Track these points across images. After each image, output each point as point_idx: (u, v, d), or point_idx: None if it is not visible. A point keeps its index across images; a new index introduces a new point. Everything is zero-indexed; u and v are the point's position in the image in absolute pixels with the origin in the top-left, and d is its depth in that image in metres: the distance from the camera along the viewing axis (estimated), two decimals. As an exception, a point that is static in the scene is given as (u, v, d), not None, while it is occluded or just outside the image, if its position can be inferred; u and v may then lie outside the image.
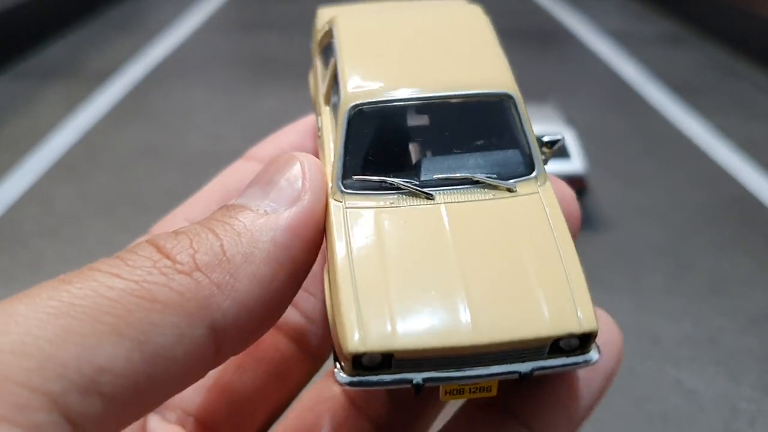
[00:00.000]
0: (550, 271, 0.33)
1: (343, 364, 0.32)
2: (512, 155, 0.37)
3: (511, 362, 0.31)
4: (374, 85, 0.37)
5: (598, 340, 0.34)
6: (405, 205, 0.35)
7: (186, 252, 0.31)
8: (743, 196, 2.47)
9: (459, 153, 0.37)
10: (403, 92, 0.37)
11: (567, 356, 0.32)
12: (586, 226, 2.27)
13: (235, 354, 0.33)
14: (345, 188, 0.36)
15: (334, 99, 0.41)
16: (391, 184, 0.36)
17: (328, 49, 0.44)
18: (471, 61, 0.39)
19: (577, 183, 2.19)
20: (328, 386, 0.43)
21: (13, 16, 3.71)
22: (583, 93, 3.46)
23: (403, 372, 0.31)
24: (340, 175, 0.36)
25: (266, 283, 0.32)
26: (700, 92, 3.45)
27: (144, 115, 3.10)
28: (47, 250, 2.05)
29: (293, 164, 0.35)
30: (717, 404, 1.58)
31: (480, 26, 0.43)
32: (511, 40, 4.35)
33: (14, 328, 0.26)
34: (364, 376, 0.32)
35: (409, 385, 0.31)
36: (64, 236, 2.12)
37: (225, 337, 0.31)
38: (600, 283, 1.97)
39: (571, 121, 2.41)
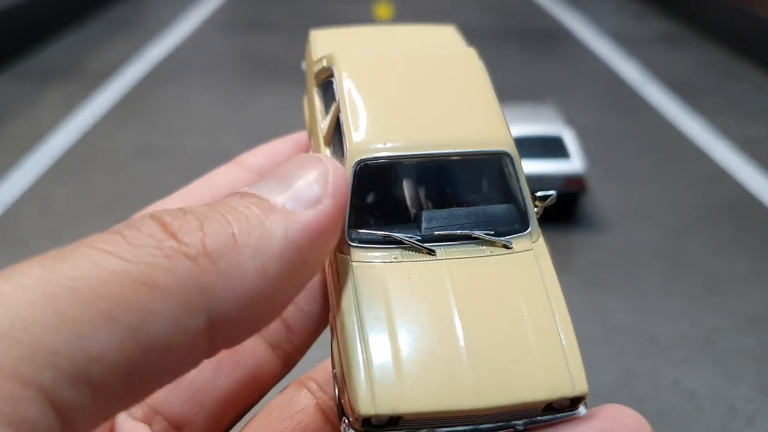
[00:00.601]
0: (545, 331, 0.34)
1: (350, 419, 0.33)
2: (508, 211, 0.38)
3: (508, 419, 0.33)
4: (379, 140, 0.38)
5: None
6: (409, 260, 0.36)
7: (195, 234, 0.29)
8: (742, 196, 2.47)
9: (458, 207, 0.38)
10: (408, 148, 0.37)
11: (559, 413, 0.33)
12: (584, 225, 2.27)
13: (227, 347, 0.31)
14: (351, 241, 0.37)
15: (335, 146, 0.41)
16: (394, 238, 0.36)
17: (327, 86, 0.44)
18: (471, 115, 0.40)
19: (576, 183, 2.20)
20: (299, 398, 0.42)
21: (13, 16, 3.71)
22: (582, 93, 3.46)
23: (408, 429, 0.33)
24: (346, 228, 0.37)
25: (272, 280, 0.30)
26: (699, 92, 3.46)
27: (143, 115, 3.10)
28: (46, 249, 2.03)
29: (318, 165, 0.34)
30: (715, 404, 1.58)
31: (477, 74, 0.42)
32: (511, 41, 4.36)
33: (2, 312, 0.25)
34: None
35: None
36: (63, 236, 2.12)
37: (221, 329, 0.29)
38: (598, 283, 1.97)
39: (571, 121, 2.41)
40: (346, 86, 0.40)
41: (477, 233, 0.37)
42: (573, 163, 2.19)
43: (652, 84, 3.56)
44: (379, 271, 0.36)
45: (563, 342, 0.34)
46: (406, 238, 0.36)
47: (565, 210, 2.30)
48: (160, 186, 2.42)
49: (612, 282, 1.98)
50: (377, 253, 0.36)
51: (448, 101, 0.41)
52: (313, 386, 0.42)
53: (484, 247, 0.37)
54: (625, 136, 2.95)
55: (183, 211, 0.30)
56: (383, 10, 5.00)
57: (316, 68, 0.46)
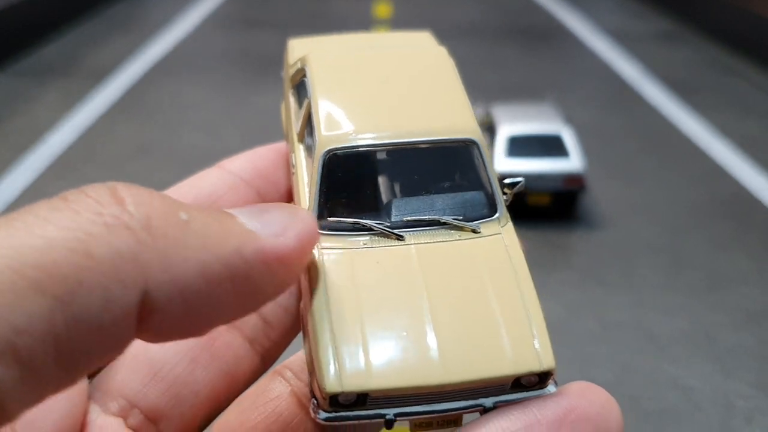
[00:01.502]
0: (512, 311, 0.34)
1: (319, 400, 0.34)
2: (476, 197, 0.39)
3: (476, 397, 0.33)
4: (348, 130, 0.39)
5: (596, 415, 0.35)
6: (377, 245, 0.37)
7: (143, 207, 0.28)
8: (740, 194, 2.47)
9: (427, 195, 0.39)
10: (376, 137, 0.39)
11: (527, 390, 0.34)
12: (584, 224, 2.27)
13: (166, 339, 0.30)
14: (320, 229, 0.37)
15: (308, 140, 0.42)
16: (363, 225, 0.37)
17: (301, 86, 0.45)
18: (438, 106, 0.41)
19: (575, 181, 2.20)
20: (273, 386, 0.41)
21: (12, 15, 3.71)
22: (581, 91, 3.46)
23: (377, 408, 0.33)
24: (315, 217, 0.38)
25: (211, 282, 0.29)
26: (698, 90, 3.46)
27: (142, 112, 3.10)
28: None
29: (293, 210, 0.34)
30: (713, 402, 1.58)
31: (446, 70, 0.44)
32: (510, 39, 4.36)
33: None
34: (340, 412, 0.33)
35: (381, 420, 0.33)
36: (62, 234, 2.12)
37: (153, 314, 0.28)
38: (597, 280, 1.97)
39: (570, 119, 2.41)
40: (316, 82, 0.41)
41: (445, 218, 0.37)
42: (572, 162, 2.19)
43: (651, 82, 3.57)
44: (347, 256, 0.36)
45: (530, 320, 0.34)
46: (375, 225, 0.37)
47: (564, 208, 2.30)
48: (158, 184, 2.39)
49: (610, 279, 1.99)
50: (346, 240, 0.37)
51: (417, 94, 0.42)
52: (289, 374, 0.42)
53: (452, 232, 0.37)
54: (623, 134, 2.96)
55: (144, 188, 0.29)
56: (382, 9, 5.01)
57: (292, 71, 0.47)
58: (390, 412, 0.33)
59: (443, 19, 4.76)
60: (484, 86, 3.43)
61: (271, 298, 0.33)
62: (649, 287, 1.96)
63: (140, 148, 2.73)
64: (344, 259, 0.36)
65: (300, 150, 0.43)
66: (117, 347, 0.28)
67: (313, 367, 0.34)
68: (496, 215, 0.38)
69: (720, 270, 2.04)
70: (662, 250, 2.13)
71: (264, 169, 0.46)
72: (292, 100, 0.47)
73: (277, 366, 0.42)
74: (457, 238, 0.37)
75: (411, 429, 0.34)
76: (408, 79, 0.43)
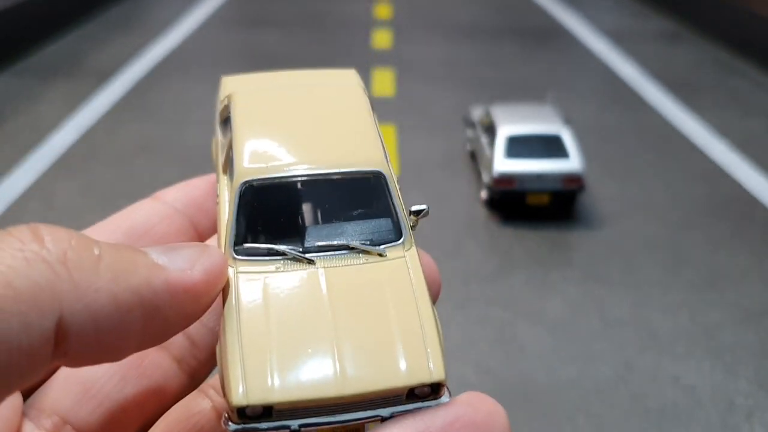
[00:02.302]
0: (409, 328, 0.37)
1: (229, 413, 0.36)
2: (383, 224, 0.42)
3: (375, 408, 0.36)
4: (264, 163, 0.42)
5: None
6: (289, 269, 0.40)
7: (59, 244, 0.31)
8: (739, 193, 2.48)
9: (338, 222, 0.42)
10: (290, 170, 0.42)
11: (422, 401, 0.36)
12: (584, 223, 2.29)
13: (83, 364, 0.33)
14: (236, 254, 0.40)
15: (229, 171, 0.45)
16: (277, 251, 0.40)
17: (227, 122, 0.48)
18: (350, 141, 0.44)
19: (574, 181, 2.21)
20: (198, 401, 0.44)
21: (15, 14, 3.72)
22: (580, 91, 3.47)
23: (282, 419, 0.36)
24: (232, 243, 0.41)
25: (123, 310, 0.32)
26: (697, 90, 3.47)
27: (144, 111, 3.11)
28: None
29: (202, 248, 0.37)
30: (714, 399, 1.59)
31: (360, 106, 0.47)
32: (509, 39, 4.37)
33: None
34: (248, 423, 0.35)
35: (287, 430, 0.36)
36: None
37: (69, 341, 0.31)
38: (598, 279, 1.99)
39: (569, 119, 2.42)
40: (238, 118, 0.45)
41: (353, 243, 0.40)
42: (572, 162, 2.20)
43: (650, 81, 3.58)
44: (261, 280, 0.39)
45: (424, 336, 0.37)
46: (288, 250, 0.40)
47: (563, 208, 2.31)
48: (161, 182, 2.42)
49: (611, 277, 2.00)
50: (261, 265, 0.40)
51: (329, 128, 0.45)
52: (212, 392, 0.44)
53: (360, 256, 0.40)
54: (623, 134, 2.97)
55: (62, 228, 0.32)
56: (383, 10, 5.01)
57: (221, 107, 0.50)
58: (294, 423, 0.35)
59: (443, 20, 4.76)
60: (484, 86, 3.44)
61: (180, 329, 0.36)
62: (650, 285, 1.97)
63: (143, 147, 2.74)
64: (258, 282, 0.39)
65: (224, 181, 0.46)
66: (36, 369, 0.30)
67: (223, 383, 0.36)
68: (401, 240, 0.41)
69: (720, 268, 2.05)
70: (662, 249, 2.14)
71: (197, 199, 0.49)
72: (219, 135, 0.50)
73: (202, 385, 0.45)
74: (364, 261, 0.40)
75: None
76: (323, 115, 0.46)
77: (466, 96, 3.20)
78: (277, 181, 0.42)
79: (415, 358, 0.36)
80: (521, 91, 3.28)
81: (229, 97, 0.48)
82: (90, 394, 0.41)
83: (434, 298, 0.41)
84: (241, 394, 0.35)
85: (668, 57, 4.01)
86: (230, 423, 0.36)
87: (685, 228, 2.26)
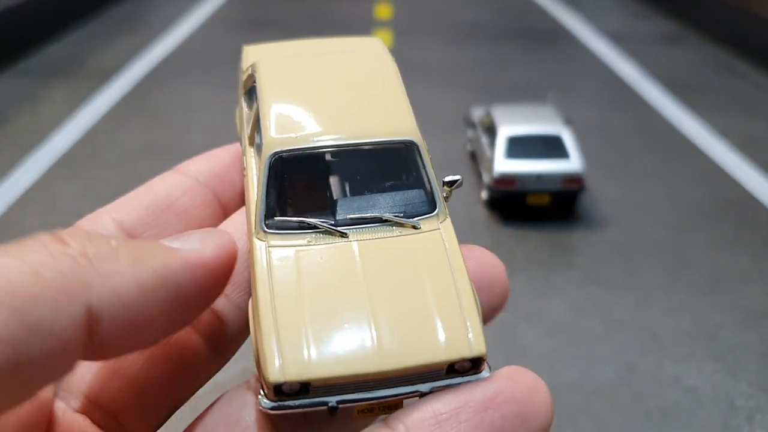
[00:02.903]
0: (447, 301, 0.36)
1: (265, 390, 0.35)
2: (417, 195, 0.41)
3: (414, 383, 0.35)
4: (293, 133, 0.41)
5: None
6: (322, 243, 0.39)
7: (79, 241, 0.33)
8: (741, 195, 2.48)
9: (370, 194, 0.41)
10: (320, 140, 0.41)
11: (462, 376, 0.35)
12: (584, 224, 2.28)
13: (104, 353, 0.34)
14: (267, 228, 0.40)
15: (257, 142, 0.44)
16: (308, 224, 0.39)
17: (252, 92, 0.47)
18: (380, 109, 0.43)
19: (575, 181, 2.21)
20: (240, 394, 0.43)
21: (16, 15, 3.72)
22: (581, 92, 3.47)
23: (319, 396, 0.35)
24: (262, 216, 0.40)
25: (147, 292, 0.33)
26: (698, 91, 3.47)
27: (146, 112, 3.11)
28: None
29: (212, 231, 0.38)
30: (716, 401, 1.59)
31: (389, 74, 0.45)
32: (510, 40, 4.37)
33: None
34: (284, 401, 0.35)
35: (325, 407, 0.35)
36: (67, 233, 2.13)
37: (100, 325, 0.32)
38: (599, 280, 1.98)
39: (570, 120, 2.42)
40: (264, 87, 0.44)
41: (386, 215, 0.39)
42: (572, 163, 2.20)
43: (651, 82, 3.57)
44: (293, 253, 0.38)
45: (463, 310, 0.36)
46: (320, 223, 0.39)
47: (564, 208, 2.31)
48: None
49: (612, 279, 2.00)
50: (292, 239, 0.39)
51: (359, 97, 0.43)
52: (254, 383, 0.43)
53: (394, 228, 0.39)
54: (624, 135, 2.97)
55: (78, 230, 0.34)
56: (383, 10, 5.01)
57: (244, 77, 0.49)
58: (332, 400, 0.35)
59: (444, 20, 4.76)
60: (485, 87, 3.44)
61: (203, 307, 0.37)
62: (651, 287, 1.97)
63: (145, 148, 2.74)
64: (290, 256, 0.38)
65: (250, 153, 0.45)
66: (69, 358, 0.31)
67: (259, 360, 0.36)
68: (435, 212, 0.41)
69: (721, 270, 2.05)
70: (663, 250, 2.14)
71: (221, 170, 0.49)
72: (244, 106, 0.49)
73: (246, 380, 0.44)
74: (398, 234, 0.39)
75: (354, 416, 0.36)
76: (352, 84, 0.44)
77: (466, 96, 3.20)
78: (307, 152, 0.41)
79: (455, 332, 0.35)
80: (522, 92, 3.28)
81: (253, 66, 0.47)
82: (118, 374, 0.42)
83: (498, 305, 0.40)
84: (278, 369, 0.34)
85: (669, 58, 4.01)
86: (265, 400, 0.35)
87: (685, 229, 2.26)
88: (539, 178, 2.19)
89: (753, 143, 2.87)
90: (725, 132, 2.98)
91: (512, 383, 0.35)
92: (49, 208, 2.30)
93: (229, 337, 0.44)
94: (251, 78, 0.47)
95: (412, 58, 3.86)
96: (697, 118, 3.13)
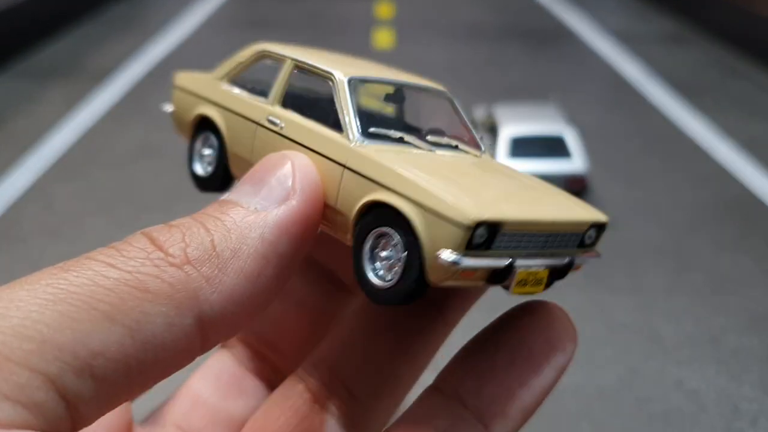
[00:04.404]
0: (551, 190, 0.42)
1: (450, 244, 0.36)
2: (466, 135, 0.47)
3: (559, 256, 0.40)
4: (363, 73, 0.47)
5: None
6: (416, 151, 0.43)
7: (178, 245, 0.33)
8: (744, 196, 2.47)
9: (435, 128, 0.47)
10: (383, 76, 0.48)
11: (585, 251, 0.42)
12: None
13: (221, 342, 0.36)
14: (363, 137, 0.43)
15: (292, 99, 0.48)
16: (402, 139, 0.44)
17: (246, 75, 0.52)
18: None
19: (577, 182, 2.20)
20: (293, 384, 0.45)
21: (13, 15, 3.71)
22: (584, 92, 3.46)
23: (500, 250, 0.37)
24: (357, 128, 0.43)
25: (253, 278, 0.34)
26: (702, 91, 3.45)
27: (144, 114, 3.10)
28: (47, 248, 2.04)
29: (284, 163, 0.39)
30: (719, 404, 1.57)
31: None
32: (512, 39, 4.35)
33: (15, 312, 0.29)
34: (468, 252, 0.36)
35: (503, 266, 0.37)
36: (63, 235, 2.12)
37: (212, 326, 0.33)
38: (601, 283, 1.97)
39: (572, 120, 2.41)
40: (296, 52, 0.50)
41: (461, 145, 0.46)
42: (575, 163, 2.19)
43: (655, 83, 3.56)
44: (399, 153, 0.42)
45: (568, 197, 0.42)
46: (413, 140, 0.44)
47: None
48: (160, 184, 2.41)
49: (615, 281, 1.98)
50: (389, 146, 0.43)
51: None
52: (303, 374, 0.45)
53: (463, 153, 0.46)
54: (627, 135, 2.95)
55: (168, 226, 0.35)
56: (384, 9, 5.00)
57: (238, 67, 0.52)
58: (508, 261, 0.37)
59: (445, 20, 4.75)
60: (487, 87, 3.42)
61: (306, 250, 0.38)
62: (654, 290, 1.95)
63: (143, 149, 2.72)
64: (398, 153, 0.42)
65: (284, 110, 0.47)
66: (184, 361, 0.33)
67: (440, 211, 0.36)
68: (483, 150, 0.47)
69: (724, 272, 2.03)
70: (666, 252, 2.12)
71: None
72: (236, 90, 0.52)
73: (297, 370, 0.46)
74: (472, 154, 0.45)
75: (512, 290, 0.39)
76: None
77: (468, 97, 3.19)
78: (377, 79, 0.47)
79: (581, 206, 0.41)
80: (524, 92, 3.27)
81: (262, 52, 0.52)
82: (198, 405, 0.46)
83: (562, 367, 0.42)
84: (474, 208, 0.35)
85: (672, 58, 4.00)
86: (453, 254, 0.35)
87: (689, 231, 2.24)
88: (541, 178, 2.18)
89: (757, 144, 2.86)
90: (729, 133, 2.96)
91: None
92: (47, 209, 2.29)
93: (284, 373, 0.47)
94: (256, 59, 0.52)
95: (413, 57, 3.85)
96: (701, 118, 3.12)
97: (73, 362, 0.29)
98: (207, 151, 0.53)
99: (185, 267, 0.33)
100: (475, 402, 0.38)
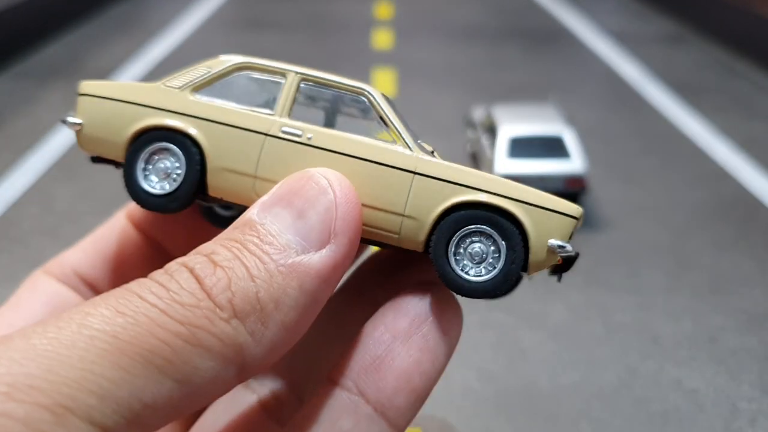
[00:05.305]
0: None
1: (558, 237, 0.46)
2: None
3: None
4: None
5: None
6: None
7: (224, 294, 0.35)
8: (743, 196, 2.47)
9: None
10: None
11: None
12: (585, 225, 2.27)
13: (250, 377, 0.37)
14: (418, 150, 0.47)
15: (310, 100, 0.51)
16: (432, 152, 0.50)
17: (219, 87, 0.53)
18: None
19: (577, 183, 2.20)
20: (242, 394, 0.48)
21: (13, 16, 3.71)
22: (583, 93, 3.46)
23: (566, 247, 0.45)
24: (414, 139, 0.47)
25: (292, 328, 0.36)
26: (700, 92, 3.46)
27: (144, 114, 3.10)
28: (46, 249, 2.04)
29: (325, 193, 0.39)
30: (717, 404, 1.58)
31: None
32: (511, 40, 4.35)
33: (78, 363, 0.31)
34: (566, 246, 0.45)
35: (574, 253, 0.44)
36: (63, 235, 2.12)
37: (250, 373, 0.36)
38: (600, 283, 1.97)
39: (571, 120, 2.41)
40: (290, 66, 0.53)
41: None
42: (574, 163, 2.19)
43: (653, 83, 3.56)
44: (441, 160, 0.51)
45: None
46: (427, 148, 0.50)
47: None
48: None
49: (614, 281, 1.98)
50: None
51: None
52: (254, 384, 0.48)
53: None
54: (626, 136, 2.95)
55: (213, 264, 0.36)
56: (383, 10, 5.00)
57: (200, 77, 0.53)
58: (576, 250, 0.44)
59: (445, 21, 4.75)
60: (486, 88, 3.43)
61: (336, 285, 0.39)
62: (653, 289, 1.95)
63: (142, 149, 2.72)
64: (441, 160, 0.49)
65: (299, 122, 0.48)
66: (213, 400, 0.36)
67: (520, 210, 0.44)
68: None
69: (723, 272, 2.03)
70: (665, 252, 2.13)
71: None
72: (219, 101, 0.52)
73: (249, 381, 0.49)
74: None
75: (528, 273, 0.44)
76: None
77: (467, 97, 3.19)
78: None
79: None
80: (523, 93, 3.27)
81: (245, 64, 0.54)
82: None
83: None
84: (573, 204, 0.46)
85: (671, 58, 4.00)
86: (566, 245, 0.43)
87: (688, 231, 2.24)
88: (540, 179, 2.18)
89: (755, 144, 2.86)
90: (727, 133, 2.96)
91: None
92: (47, 210, 2.29)
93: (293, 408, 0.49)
94: (241, 69, 0.55)
95: (412, 58, 3.85)
96: (700, 118, 3.12)
97: (127, 415, 0.31)
98: (163, 165, 0.51)
99: (232, 321, 0.34)
100: (377, 396, 0.39)
